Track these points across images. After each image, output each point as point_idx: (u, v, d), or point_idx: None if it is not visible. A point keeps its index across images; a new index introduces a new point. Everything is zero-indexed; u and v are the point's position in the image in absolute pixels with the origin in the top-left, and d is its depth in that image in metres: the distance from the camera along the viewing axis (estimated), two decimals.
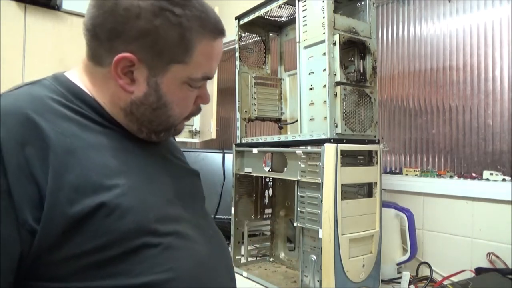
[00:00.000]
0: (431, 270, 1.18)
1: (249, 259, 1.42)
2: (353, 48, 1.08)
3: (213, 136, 2.17)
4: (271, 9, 1.31)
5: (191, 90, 0.65)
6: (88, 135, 0.58)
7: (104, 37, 0.59)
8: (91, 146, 0.57)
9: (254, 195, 1.42)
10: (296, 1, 1.12)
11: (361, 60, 1.07)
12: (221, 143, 2.36)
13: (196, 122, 2.40)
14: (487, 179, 1.16)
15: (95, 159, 0.56)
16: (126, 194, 0.56)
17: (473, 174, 1.22)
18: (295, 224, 1.09)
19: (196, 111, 0.70)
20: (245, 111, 1.39)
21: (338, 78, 1.00)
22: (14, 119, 0.51)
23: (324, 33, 1.01)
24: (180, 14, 0.58)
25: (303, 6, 1.09)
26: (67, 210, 0.50)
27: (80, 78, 0.64)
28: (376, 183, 1.07)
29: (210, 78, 0.66)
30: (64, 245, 0.51)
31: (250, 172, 1.30)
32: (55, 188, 0.50)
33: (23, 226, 0.48)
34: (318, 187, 0.99)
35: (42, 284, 0.52)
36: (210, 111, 2.18)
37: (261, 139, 1.27)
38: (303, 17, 1.09)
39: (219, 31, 0.63)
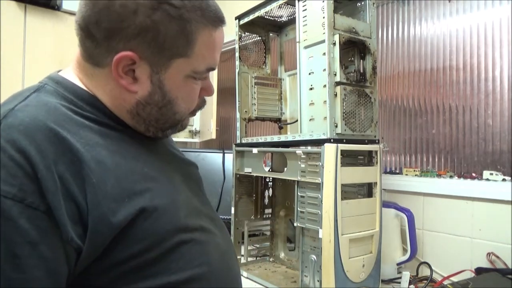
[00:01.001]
0: (431, 270, 1.18)
1: (249, 259, 1.42)
2: (353, 48, 1.08)
3: (213, 136, 2.17)
4: (271, 9, 1.31)
5: (196, 83, 0.63)
6: (109, 142, 0.56)
7: (100, 36, 0.55)
8: (115, 152, 0.56)
9: (254, 195, 1.42)
10: (296, 1, 1.12)
11: (361, 60, 1.07)
12: (221, 143, 2.36)
13: (196, 122, 2.40)
14: (487, 179, 1.16)
15: (122, 166, 0.55)
16: (159, 196, 0.57)
17: (473, 174, 1.22)
18: (295, 224, 1.09)
19: (201, 104, 0.68)
20: (245, 111, 1.39)
21: (338, 78, 1.00)
22: (41, 136, 0.49)
23: (324, 33, 1.01)
24: (179, 6, 0.55)
25: (303, 6, 1.09)
26: (112, 220, 0.50)
27: (81, 81, 0.61)
28: (376, 183, 1.07)
29: (214, 69, 0.64)
30: (109, 255, 0.51)
31: (250, 172, 1.30)
32: (96, 202, 0.49)
33: (69, 244, 0.48)
34: (318, 187, 0.99)
35: None
36: (210, 111, 2.18)
37: (261, 139, 1.27)
38: (303, 17, 1.09)
39: (220, 20, 0.61)
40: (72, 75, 0.61)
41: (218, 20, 0.60)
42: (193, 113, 0.68)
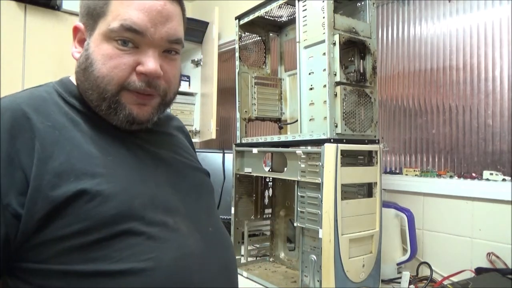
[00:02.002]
0: (431, 270, 1.18)
1: (249, 259, 1.42)
2: (353, 48, 1.08)
3: (213, 136, 2.17)
4: (271, 9, 1.31)
5: (120, 49, 0.61)
6: (79, 128, 0.62)
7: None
8: (78, 137, 0.60)
9: (254, 195, 1.42)
10: (296, 1, 1.12)
11: (361, 60, 1.08)
12: (221, 143, 2.36)
13: (196, 122, 2.40)
14: (487, 179, 1.16)
15: (80, 149, 0.59)
16: (108, 182, 0.58)
17: (473, 174, 1.21)
18: (295, 224, 1.09)
19: (138, 84, 0.62)
20: (245, 111, 1.39)
21: (338, 78, 1.00)
22: (9, 114, 0.56)
23: (324, 33, 1.01)
24: None
25: (303, 6, 1.09)
26: (49, 194, 0.54)
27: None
28: (376, 183, 1.07)
29: (136, 31, 0.60)
30: (47, 228, 0.54)
31: (250, 172, 1.30)
32: (38, 174, 0.54)
33: (6, 209, 0.52)
34: (318, 187, 0.99)
35: (28, 265, 0.55)
36: (210, 111, 2.18)
37: (261, 139, 1.27)
38: (303, 17, 1.09)
39: None
40: (73, 76, 0.69)
41: None
42: (133, 93, 0.62)
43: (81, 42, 0.65)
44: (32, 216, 0.53)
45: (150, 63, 0.61)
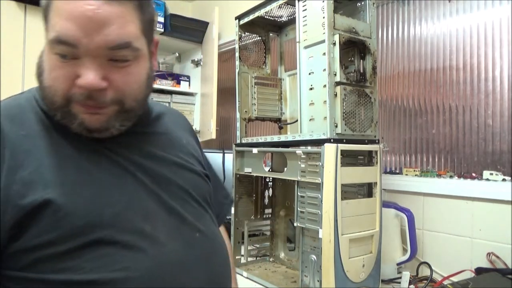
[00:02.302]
0: (431, 270, 1.18)
1: (249, 259, 1.42)
2: (353, 48, 1.09)
3: (213, 136, 2.17)
4: (271, 9, 1.31)
5: (62, 61, 0.57)
6: (54, 135, 0.60)
7: None
8: (50, 145, 0.59)
9: (254, 195, 1.42)
10: (296, 1, 1.12)
11: (361, 60, 1.08)
12: (221, 143, 2.36)
13: (196, 122, 2.40)
14: (487, 179, 1.16)
15: (51, 158, 0.58)
16: (77, 191, 0.57)
17: (473, 174, 1.21)
18: (295, 224, 1.09)
19: (79, 96, 0.57)
20: (245, 111, 1.39)
21: (338, 78, 1.00)
22: None
23: (324, 33, 1.01)
24: None
25: (303, 6, 1.09)
26: (18, 202, 0.53)
27: None
28: (376, 183, 1.07)
29: (68, 43, 0.55)
30: (22, 237, 0.54)
31: (250, 172, 1.30)
32: (8, 183, 0.54)
33: None
34: (318, 187, 0.99)
35: (10, 272, 0.55)
36: (210, 111, 2.18)
37: (261, 139, 1.27)
38: (303, 17, 1.09)
39: None
40: None
41: None
42: (80, 105, 0.58)
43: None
44: (4, 225, 0.53)
45: (87, 76, 0.56)
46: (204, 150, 0.90)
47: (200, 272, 0.64)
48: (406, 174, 1.37)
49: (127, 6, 0.57)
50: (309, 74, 1.08)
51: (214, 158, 1.75)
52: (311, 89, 1.07)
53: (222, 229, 0.88)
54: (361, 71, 1.06)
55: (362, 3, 1.11)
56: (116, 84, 0.59)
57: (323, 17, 1.01)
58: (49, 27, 0.57)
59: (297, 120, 1.16)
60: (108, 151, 0.64)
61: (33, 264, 0.54)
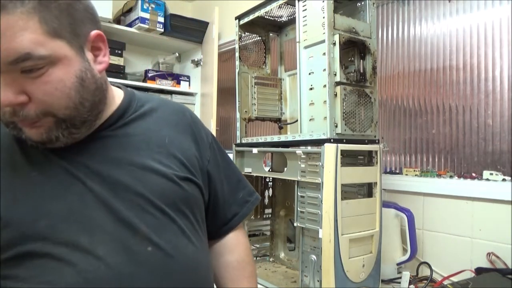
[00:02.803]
0: (431, 270, 1.18)
1: None
2: (353, 48, 1.09)
3: None
4: (271, 9, 1.31)
5: None
6: (12, 150, 0.62)
7: None
8: (10, 159, 0.61)
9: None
10: (296, 1, 1.12)
11: (361, 60, 1.07)
12: (221, 143, 2.36)
13: None
14: (487, 179, 1.16)
15: (8, 168, 0.60)
16: (13, 204, 0.58)
17: (473, 174, 1.21)
18: (295, 224, 1.09)
19: (9, 115, 0.55)
20: (245, 111, 1.39)
21: (338, 78, 1.00)
22: None
23: (324, 33, 1.01)
24: None
25: (303, 6, 1.09)
26: None
27: None
28: (376, 183, 1.07)
29: None
30: None
31: (250, 172, 1.30)
32: None
33: None
34: (318, 187, 0.99)
35: None
36: (210, 111, 2.18)
37: (261, 139, 1.27)
38: (303, 17, 1.09)
39: None
40: None
41: None
42: (19, 121, 0.57)
43: None
44: None
45: (1, 95, 0.53)
46: None
47: None
48: (406, 174, 1.37)
49: (15, 15, 0.51)
50: (309, 74, 1.08)
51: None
52: (311, 89, 1.07)
53: (240, 232, 0.85)
54: (361, 71, 1.06)
55: (362, 3, 1.11)
56: (36, 96, 0.55)
57: (323, 17, 1.01)
58: None
59: (297, 120, 1.16)
60: (61, 160, 0.61)
61: None
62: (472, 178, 1.21)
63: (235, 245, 0.84)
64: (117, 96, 0.71)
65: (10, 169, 0.60)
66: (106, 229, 0.60)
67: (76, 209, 0.59)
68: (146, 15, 2.10)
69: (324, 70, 1.01)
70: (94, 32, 0.61)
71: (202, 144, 0.78)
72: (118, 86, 0.74)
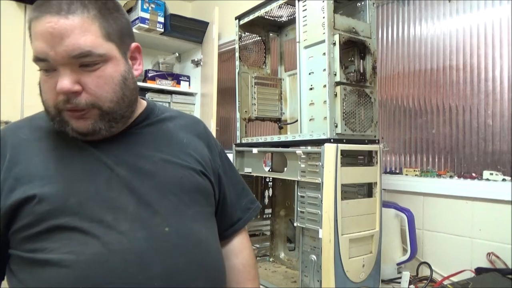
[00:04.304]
0: (431, 270, 1.18)
1: None
2: (353, 48, 1.08)
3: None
4: (271, 9, 1.31)
5: (46, 75, 0.65)
6: (50, 139, 0.70)
7: None
8: (44, 147, 0.69)
9: (254, 195, 1.41)
10: (296, 1, 1.12)
11: (361, 60, 1.07)
12: (221, 143, 2.35)
13: None
14: (487, 179, 1.16)
15: (39, 157, 0.68)
16: (51, 183, 0.65)
17: (473, 174, 1.22)
18: (295, 224, 1.09)
19: (61, 102, 0.65)
20: (245, 111, 1.39)
21: (338, 78, 1.00)
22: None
23: (324, 33, 1.01)
24: (32, 8, 0.65)
25: (303, 6, 1.09)
26: (8, 194, 0.64)
27: None
28: (376, 183, 1.07)
29: (41, 59, 0.63)
30: (13, 222, 0.64)
31: (250, 172, 1.30)
32: (4, 178, 0.65)
33: None
34: (318, 187, 0.99)
35: (10, 251, 0.67)
36: (210, 111, 2.18)
37: (261, 139, 1.27)
38: (303, 17, 1.09)
39: (44, 8, 0.62)
40: None
41: (39, 10, 0.63)
42: (65, 110, 0.65)
43: None
44: (2, 213, 0.64)
45: (61, 82, 0.63)
46: None
47: (156, 266, 0.65)
48: (406, 174, 1.37)
49: (83, 18, 0.63)
50: (309, 74, 1.08)
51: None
52: (311, 89, 1.07)
53: (244, 237, 0.92)
54: (361, 71, 1.06)
55: (362, 3, 1.11)
56: (89, 87, 0.65)
57: (323, 17, 1.01)
58: (32, 45, 0.65)
59: (297, 120, 1.16)
60: (93, 149, 0.70)
61: (17, 244, 0.65)
62: (472, 178, 1.21)
63: (240, 249, 0.90)
64: (141, 102, 0.81)
65: (45, 156, 0.68)
66: (129, 209, 0.67)
67: (102, 191, 0.67)
68: (146, 15, 2.10)
69: (324, 70, 1.01)
70: (134, 44, 0.74)
71: (213, 151, 0.87)
72: (142, 97, 0.84)
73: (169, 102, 2.36)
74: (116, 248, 0.63)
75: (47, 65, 0.64)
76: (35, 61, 0.64)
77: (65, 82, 0.63)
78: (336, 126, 0.99)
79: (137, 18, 2.09)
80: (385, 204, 1.19)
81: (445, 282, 1.13)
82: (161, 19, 2.17)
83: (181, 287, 0.67)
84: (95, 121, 0.67)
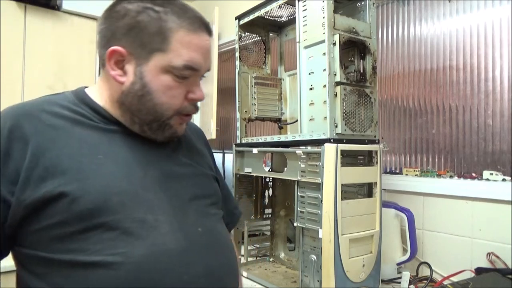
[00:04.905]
0: (431, 270, 1.18)
1: (249, 259, 1.42)
2: (353, 48, 1.08)
3: (213, 136, 2.17)
4: (271, 9, 1.31)
5: (178, 81, 0.70)
6: (77, 129, 0.68)
7: (103, 40, 0.70)
8: (74, 137, 0.66)
9: (254, 195, 1.42)
10: (296, 1, 1.12)
11: (361, 60, 1.07)
12: (221, 143, 2.36)
13: (196, 122, 2.40)
14: (487, 179, 1.16)
15: (72, 148, 0.65)
16: (89, 178, 0.63)
17: (473, 174, 1.22)
18: (295, 224, 1.09)
19: (190, 108, 0.73)
20: (245, 111, 1.39)
21: (338, 78, 1.00)
22: (11, 116, 0.65)
23: (324, 33, 1.01)
24: (159, 11, 0.68)
25: (303, 6, 1.09)
26: (37, 185, 0.60)
27: (93, 88, 0.75)
28: (376, 183, 1.07)
29: (194, 69, 0.70)
30: (36, 217, 0.61)
31: (250, 172, 1.30)
32: (30, 166, 0.61)
33: None
34: (318, 187, 0.99)
35: (25, 250, 0.63)
36: (210, 111, 2.18)
37: (261, 139, 1.27)
38: (303, 17, 1.09)
39: (198, 25, 0.70)
40: (90, 86, 0.76)
41: (196, 24, 0.70)
42: (181, 116, 0.73)
43: (118, 63, 0.69)
44: (20, 204, 0.60)
45: (199, 91, 0.73)
46: None
47: (198, 265, 0.67)
48: (406, 174, 1.37)
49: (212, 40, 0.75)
50: (309, 74, 1.08)
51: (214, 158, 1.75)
52: (311, 89, 1.07)
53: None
54: (361, 71, 1.06)
55: (362, 3, 1.11)
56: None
57: (323, 17, 1.01)
58: (169, 54, 0.68)
59: (297, 120, 1.16)
60: (126, 146, 0.71)
61: (42, 244, 0.61)
62: (472, 178, 1.21)
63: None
64: None
65: (76, 147, 0.66)
66: (166, 210, 0.68)
67: (140, 190, 0.67)
68: None
69: (324, 70, 1.01)
70: None
71: (212, 157, 0.93)
72: None
73: None
74: (161, 249, 0.64)
75: (192, 73, 0.70)
76: (183, 68, 0.68)
77: (201, 91, 0.74)
78: (336, 126, 1.00)
79: None
80: (385, 204, 1.19)
81: (445, 282, 1.13)
82: None
83: (219, 285, 0.70)
84: (186, 126, 0.76)
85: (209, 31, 0.72)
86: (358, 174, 1.03)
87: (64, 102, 0.70)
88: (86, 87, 0.76)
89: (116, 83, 0.70)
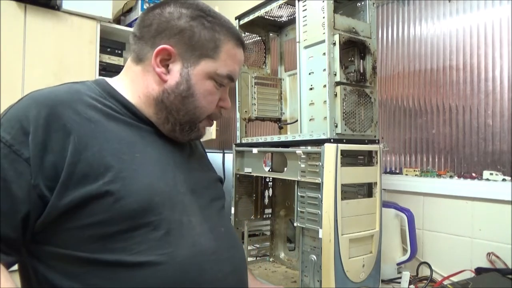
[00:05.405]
0: (431, 270, 1.18)
1: (249, 259, 1.42)
2: (353, 48, 1.08)
3: (213, 136, 2.17)
4: (271, 9, 1.31)
5: (217, 88, 0.75)
6: (112, 124, 0.67)
7: (149, 35, 0.72)
8: (111, 132, 0.66)
9: (254, 195, 1.41)
10: (296, 1, 1.12)
11: (361, 60, 1.07)
12: (221, 143, 2.36)
13: None
14: (487, 179, 1.16)
15: (112, 143, 0.64)
16: (133, 177, 0.63)
17: (473, 174, 1.22)
18: (295, 224, 1.09)
19: (218, 114, 0.79)
20: (245, 111, 1.39)
21: (338, 78, 1.00)
22: (46, 106, 0.61)
23: (324, 33, 1.01)
24: (212, 21, 0.72)
25: (303, 6, 1.09)
26: (83, 182, 0.59)
27: (117, 81, 0.75)
28: (376, 183, 1.06)
29: (233, 79, 0.76)
30: (74, 215, 0.59)
31: (250, 172, 1.30)
32: (73, 162, 0.59)
33: (34, 189, 0.58)
34: (318, 187, 0.99)
35: (52, 249, 0.60)
36: None
37: (261, 139, 1.27)
38: (303, 17, 1.09)
39: (241, 41, 0.77)
40: (113, 79, 0.76)
41: (239, 40, 0.76)
42: (210, 120, 0.79)
43: (162, 62, 0.71)
44: (60, 201, 0.58)
45: (228, 100, 0.80)
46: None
47: (226, 263, 0.71)
48: (406, 174, 1.37)
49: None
50: (309, 74, 1.08)
51: (214, 158, 1.75)
52: (311, 89, 1.07)
53: None
54: (361, 71, 1.06)
55: (362, 3, 1.11)
56: None
57: (323, 17, 1.01)
58: (217, 62, 0.73)
59: (297, 120, 1.16)
60: (160, 147, 0.73)
61: (79, 243, 0.60)
62: (472, 178, 1.21)
63: None
64: None
65: (115, 142, 0.65)
66: (196, 212, 0.71)
67: (175, 191, 0.69)
68: None
69: (324, 70, 1.01)
70: None
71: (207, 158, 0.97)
72: None
73: None
74: (199, 249, 0.67)
75: (228, 83, 0.76)
76: (226, 78, 0.74)
77: (229, 100, 0.80)
78: (336, 126, 0.99)
79: (137, 18, 2.09)
80: (385, 204, 1.19)
81: (445, 282, 1.13)
82: None
83: (241, 280, 0.75)
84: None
85: (244, 48, 0.79)
86: (358, 174, 1.03)
87: (91, 93, 0.68)
88: (103, 79, 0.75)
89: (154, 81, 0.71)
